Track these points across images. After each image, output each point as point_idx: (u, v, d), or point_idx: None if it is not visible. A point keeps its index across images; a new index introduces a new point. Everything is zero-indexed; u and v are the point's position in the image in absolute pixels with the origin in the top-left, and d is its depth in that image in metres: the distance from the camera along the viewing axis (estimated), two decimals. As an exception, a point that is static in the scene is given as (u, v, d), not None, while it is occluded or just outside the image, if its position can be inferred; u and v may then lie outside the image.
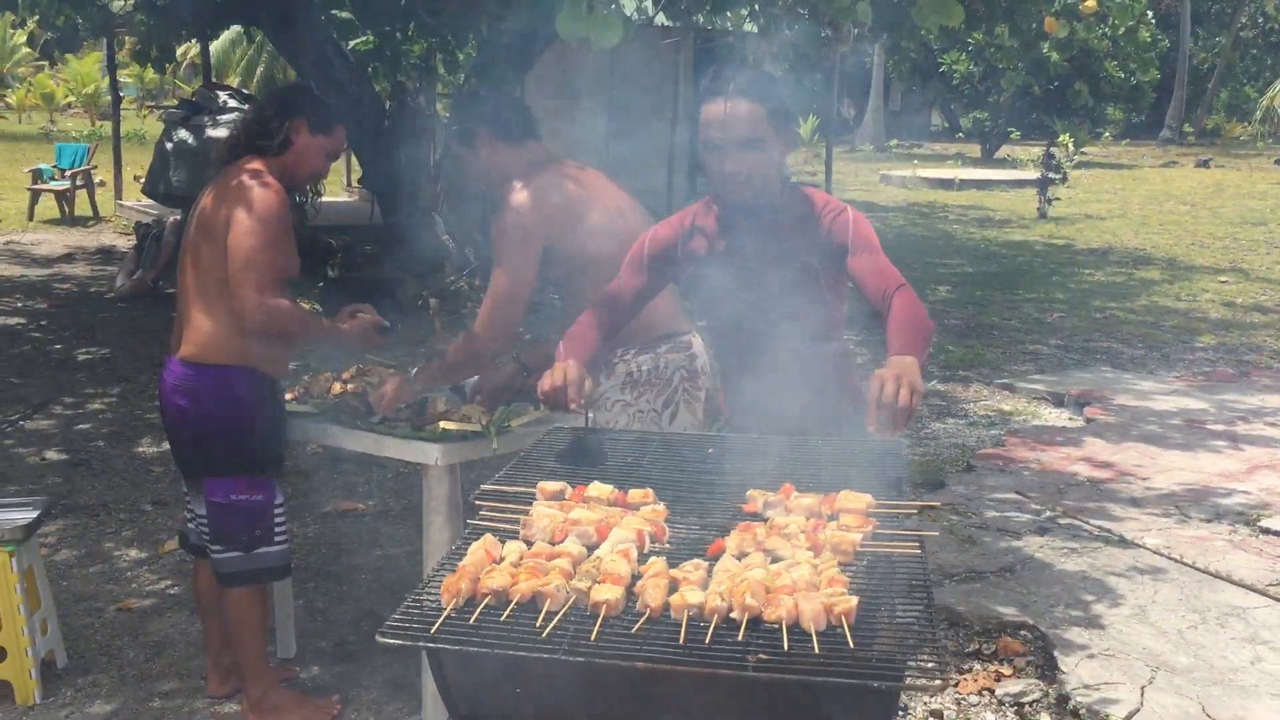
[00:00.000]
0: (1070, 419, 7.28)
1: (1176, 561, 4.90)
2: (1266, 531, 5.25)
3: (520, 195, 3.42)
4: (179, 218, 10.75)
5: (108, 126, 28.52)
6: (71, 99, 39.89)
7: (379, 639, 1.77)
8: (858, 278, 2.77)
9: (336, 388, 3.78)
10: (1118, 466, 6.20)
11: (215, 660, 3.80)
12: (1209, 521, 5.40)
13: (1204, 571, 4.80)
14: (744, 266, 2.85)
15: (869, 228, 2.81)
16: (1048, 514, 5.46)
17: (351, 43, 10.72)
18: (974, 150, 31.43)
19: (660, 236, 2.97)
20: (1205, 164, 27.98)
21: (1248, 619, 4.36)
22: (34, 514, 3.93)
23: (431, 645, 1.76)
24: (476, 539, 2.08)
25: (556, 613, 1.84)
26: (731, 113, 2.70)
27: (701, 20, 14.14)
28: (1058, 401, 7.59)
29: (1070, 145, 19.40)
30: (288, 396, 3.71)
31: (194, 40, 13.68)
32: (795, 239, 2.81)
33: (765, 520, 2.25)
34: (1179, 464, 6.26)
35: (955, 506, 5.51)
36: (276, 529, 3.52)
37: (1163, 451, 6.48)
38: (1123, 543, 5.12)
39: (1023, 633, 4.24)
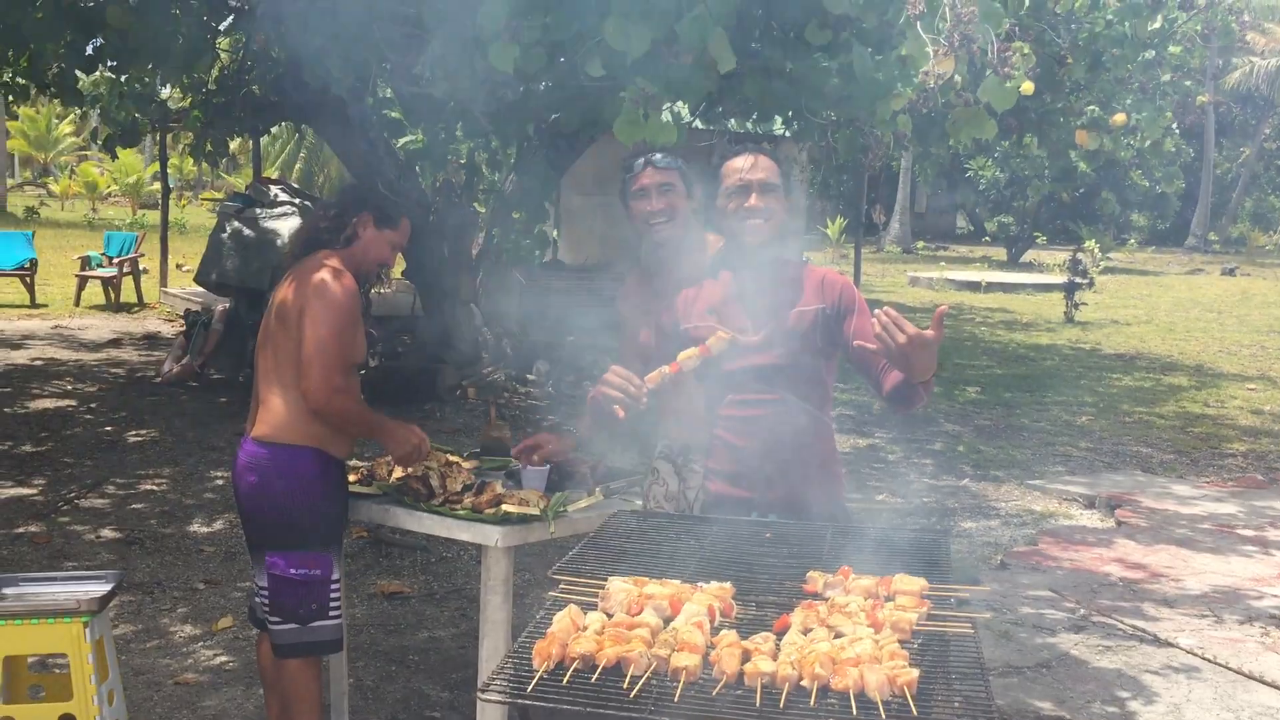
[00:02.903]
0: (1101, 520, 7.37)
1: (1210, 662, 4.97)
2: (1299, 635, 5.33)
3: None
4: (227, 306, 11.05)
5: (149, 215, 29.34)
6: (114, 188, 40.95)
7: (479, 696, 1.92)
8: (859, 334, 3.00)
9: (399, 471, 3.96)
10: (1150, 568, 6.28)
11: (274, 732, 3.92)
12: (1242, 623, 5.47)
13: (1237, 672, 4.87)
14: (749, 309, 3.11)
15: None
16: (1082, 612, 5.55)
17: (400, 141, 11.12)
18: (999, 253, 31.77)
19: (671, 304, 3.30)
20: (1231, 272, 28.16)
21: (1282, 720, 4.44)
22: (108, 587, 4.08)
23: (530, 702, 1.91)
24: (560, 609, 2.24)
25: (640, 677, 1.99)
26: (757, 161, 3.10)
27: (734, 124, 14.55)
28: (1089, 503, 7.69)
29: (1096, 251, 19.61)
30: (351, 479, 3.88)
31: (245, 136, 14.14)
32: (799, 290, 3.10)
33: (826, 599, 2.41)
34: (1211, 567, 6.34)
35: (990, 603, 5.60)
36: (332, 604, 3.65)
37: (1194, 554, 6.56)
38: (1157, 642, 5.20)
39: (1060, 727, 4.33)
